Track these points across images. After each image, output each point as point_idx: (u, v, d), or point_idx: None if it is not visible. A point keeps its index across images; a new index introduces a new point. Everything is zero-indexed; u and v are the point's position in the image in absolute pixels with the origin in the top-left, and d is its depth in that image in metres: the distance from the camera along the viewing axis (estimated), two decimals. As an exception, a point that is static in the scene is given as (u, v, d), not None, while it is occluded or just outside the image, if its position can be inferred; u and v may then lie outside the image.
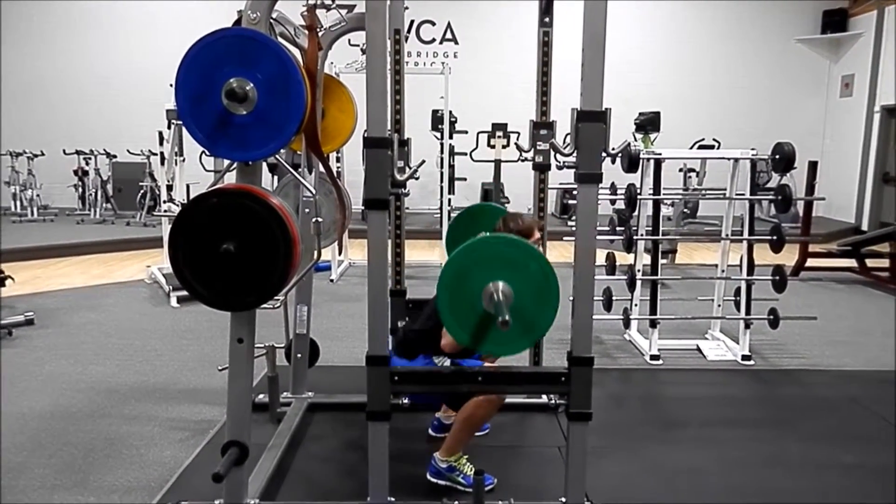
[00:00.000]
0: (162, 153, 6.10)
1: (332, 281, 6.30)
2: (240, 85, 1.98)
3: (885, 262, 6.44)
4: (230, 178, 2.27)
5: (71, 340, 4.41)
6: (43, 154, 9.77)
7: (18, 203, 9.80)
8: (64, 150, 9.73)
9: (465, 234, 2.70)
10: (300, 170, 2.99)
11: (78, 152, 9.84)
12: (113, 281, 6.31)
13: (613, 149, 2.20)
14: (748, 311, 4.24)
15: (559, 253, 6.84)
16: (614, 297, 4.44)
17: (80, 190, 10.12)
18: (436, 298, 2.09)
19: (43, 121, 10.62)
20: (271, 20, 2.17)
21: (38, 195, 9.85)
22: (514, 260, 2.02)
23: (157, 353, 4.18)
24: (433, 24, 10.82)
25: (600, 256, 3.47)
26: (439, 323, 2.17)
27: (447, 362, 2.57)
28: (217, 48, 1.99)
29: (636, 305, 4.47)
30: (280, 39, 2.26)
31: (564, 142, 2.29)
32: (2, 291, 4.84)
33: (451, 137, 8.69)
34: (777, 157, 4.08)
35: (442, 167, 8.44)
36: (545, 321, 2.10)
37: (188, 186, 6.04)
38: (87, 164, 9.95)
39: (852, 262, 6.75)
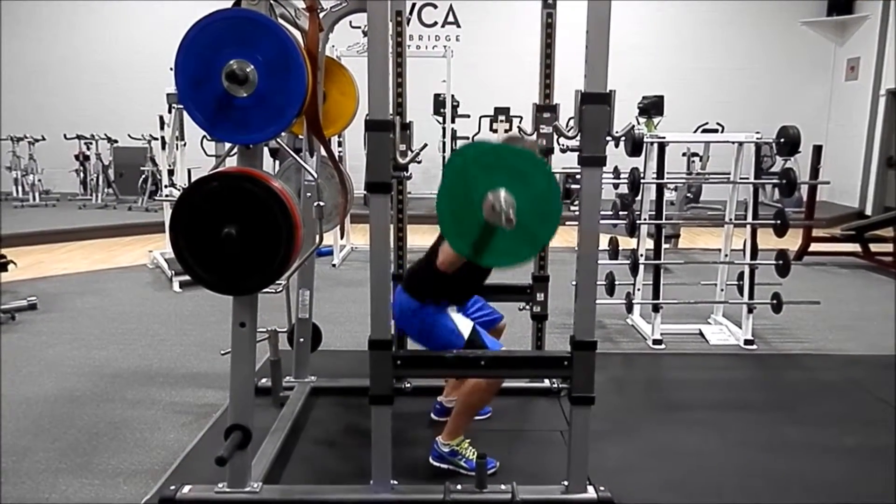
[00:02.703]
0: (163, 137, 6.08)
1: (334, 266, 6.30)
2: (240, 67, 1.96)
3: (889, 247, 6.41)
4: (231, 163, 2.26)
5: (74, 325, 4.42)
6: (44, 139, 9.75)
7: (20, 188, 9.79)
8: (65, 135, 9.71)
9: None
10: (301, 153, 2.98)
11: (79, 137, 9.83)
12: (115, 266, 6.31)
13: (617, 132, 2.17)
14: (751, 296, 4.23)
15: (562, 237, 6.83)
16: (617, 282, 4.44)
17: (82, 175, 10.12)
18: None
19: (44, 105, 10.58)
20: (271, 1, 2.14)
21: (39, 180, 9.84)
22: (516, 169, 1.98)
23: (159, 338, 4.19)
24: (435, 6, 10.74)
25: (603, 241, 3.48)
26: None
27: (455, 312, 2.53)
28: (217, 29, 1.97)
29: (639, 290, 4.46)
30: (280, 21, 2.23)
31: (568, 125, 2.26)
32: (4, 276, 4.85)
33: (453, 121, 8.67)
34: (781, 140, 4.05)
35: (444, 151, 8.42)
36: (547, 231, 2.07)
37: (189, 171, 6.03)
38: (89, 148, 9.94)
39: (856, 247, 6.73)
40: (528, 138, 2.65)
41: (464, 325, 2.51)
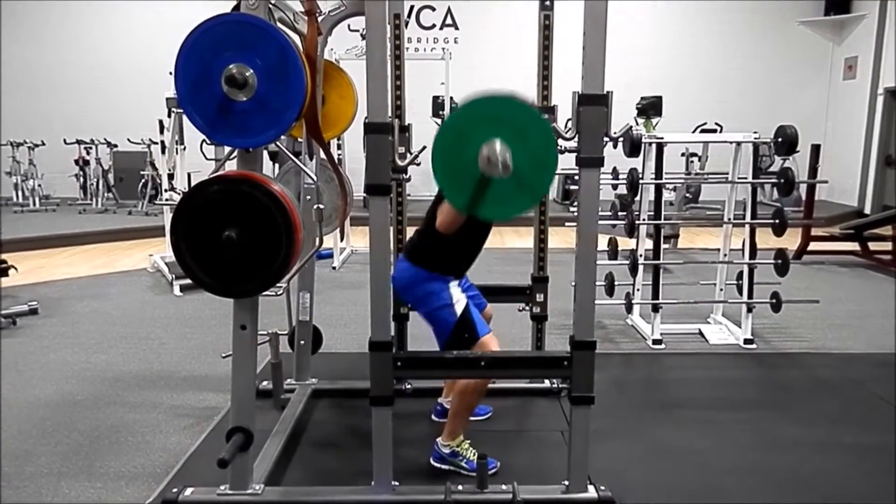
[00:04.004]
0: (163, 142, 6.09)
1: (334, 268, 6.31)
2: (239, 71, 1.97)
3: (888, 246, 6.42)
4: (232, 166, 2.27)
5: (75, 329, 4.43)
6: (44, 144, 9.76)
7: (20, 193, 9.81)
8: (65, 140, 9.72)
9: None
10: (301, 157, 2.99)
11: (79, 142, 9.85)
12: (116, 270, 6.32)
13: (615, 133, 2.18)
14: (750, 295, 4.24)
15: (561, 238, 6.83)
16: (616, 282, 4.44)
17: (82, 179, 10.12)
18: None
19: (43, 110, 10.60)
20: (270, 5, 2.16)
21: (39, 185, 9.85)
22: (511, 120, 1.98)
23: (160, 342, 4.20)
24: (433, 9, 10.76)
25: (602, 241, 3.49)
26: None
27: (460, 297, 2.54)
28: (216, 34, 1.98)
29: (638, 290, 4.47)
30: (279, 25, 2.24)
31: (566, 127, 2.27)
32: (5, 281, 4.86)
33: (452, 124, 8.67)
34: (779, 140, 4.07)
35: (443, 153, 8.43)
36: (544, 181, 2.07)
37: (189, 175, 6.04)
38: (89, 153, 9.95)
39: (855, 246, 6.74)
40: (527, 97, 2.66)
41: (459, 301, 2.52)
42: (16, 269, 4.88)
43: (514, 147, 1.95)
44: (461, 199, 2.05)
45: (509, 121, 1.98)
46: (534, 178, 2.03)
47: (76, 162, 9.98)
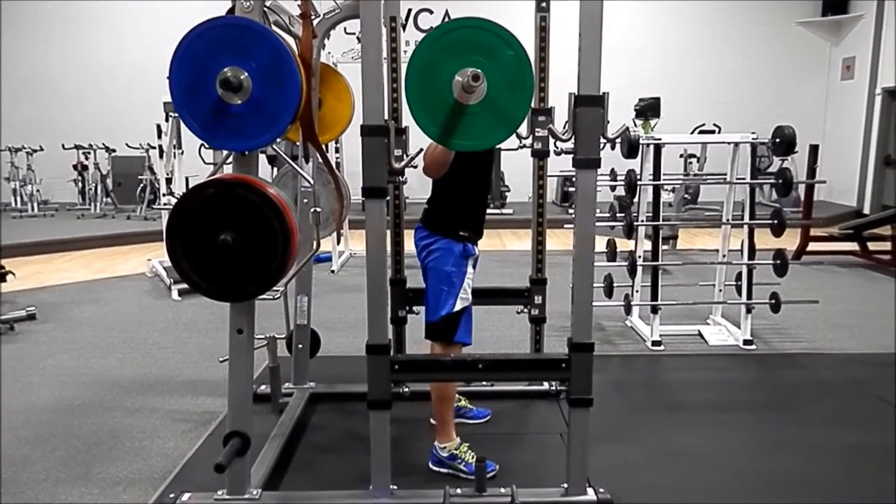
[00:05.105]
0: (161, 146, 6.09)
1: (332, 272, 6.30)
2: (234, 74, 1.96)
3: (887, 245, 6.42)
4: (230, 170, 2.26)
5: (73, 334, 4.42)
6: (42, 149, 9.77)
7: (19, 199, 9.81)
8: (63, 145, 9.72)
9: None
10: (298, 160, 2.98)
11: (77, 147, 9.85)
12: (114, 275, 6.31)
13: (612, 134, 2.18)
14: (749, 296, 4.23)
15: (559, 240, 6.83)
16: (615, 284, 4.44)
17: (80, 184, 10.13)
18: None
19: (41, 116, 10.59)
20: (265, 8, 2.15)
21: (38, 190, 9.86)
22: (485, 44, 1.95)
23: (158, 346, 4.19)
24: (431, 12, 10.76)
25: (601, 243, 3.47)
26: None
27: (470, 274, 2.55)
28: (211, 37, 1.98)
29: (637, 292, 4.46)
30: (274, 28, 2.24)
31: (563, 128, 2.27)
32: (3, 287, 4.85)
33: (450, 126, 8.68)
34: (778, 140, 4.06)
35: (441, 156, 8.44)
36: (519, 111, 2.02)
37: (187, 179, 6.03)
38: (87, 158, 9.95)
39: (854, 246, 6.73)
40: None
41: (465, 296, 2.54)
42: (13, 274, 4.87)
43: (488, 72, 1.92)
44: (433, 129, 2.01)
45: (481, 44, 1.95)
46: (509, 103, 1.98)
47: (74, 167, 9.99)
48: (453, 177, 2.45)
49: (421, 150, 2.66)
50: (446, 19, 10.76)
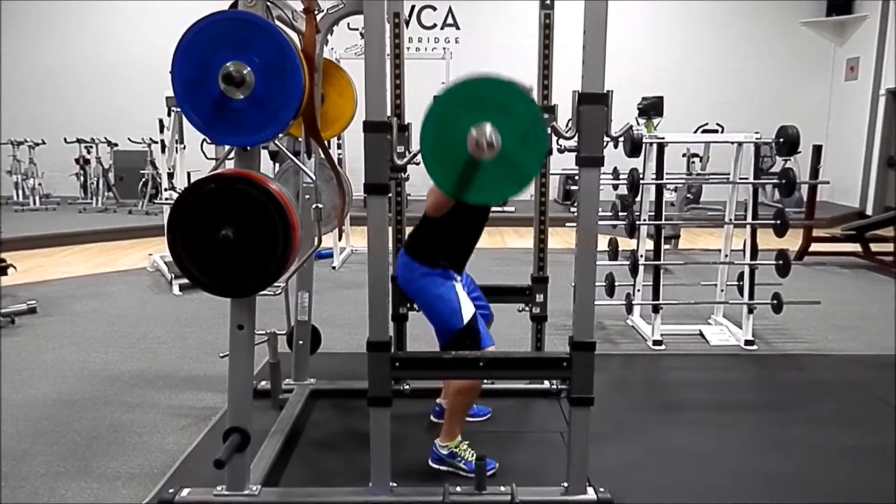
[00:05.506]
0: (163, 141, 6.08)
1: (334, 268, 6.29)
2: (236, 69, 1.96)
3: (890, 247, 6.40)
4: (232, 165, 2.25)
5: (73, 328, 4.42)
6: (44, 143, 9.76)
7: (20, 192, 9.80)
8: (65, 139, 9.72)
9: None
10: (300, 156, 2.97)
11: (79, 141, 9.84)
12: (115, 269, 6.31)
13: (616, 133, 2.17)
14: (751, 296, 4.22)
15: (562, 239, 6.82)
16: (617, 283, 4.43)
17: (82, 178, 10.12)
18: None
19: (44, 109, 10.59)
20: (268, 3, 2.14)
21: (39, 184, 9.86)
22: (499, 102, 1.95)
23: (159, 341, 4.18)
24: (434, 9, 10.75)
25: (603, 242, 3.47)
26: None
27: (461, 289, 2.51)
28: (213, 31, 1.97)
29: (639, 291, 4.45)
30: (277, 22, 2.23)
31: (566, 126, 2.26)
32: (4, 280, 4.85)
33: (452, 123, 8.67)
34: (781, 140, 4.05)
35: (444, 153, 8.44)
36: (532, 166, 2.03)
37: (189, 174, 6.02)
38: (89, 152, 9.95)
39: (856, 247, 6.72)
40: (521, 83, 2.64)
41: (467, 307, 2.48)
42: (15, 267, 4.87)
43: (502, 128, 1.92)
44: (448, 184, 2.01)
45: (495, 101, 1.95)
46: (522, 160, 1.99)
47: (76, 161, 9.98)
48: (449, 217, 2.43)
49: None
50: (449, 17, 10.76)
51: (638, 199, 4.52)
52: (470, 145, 1.93)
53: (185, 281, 4.91)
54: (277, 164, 3.42)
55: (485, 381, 3.23)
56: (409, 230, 3.33)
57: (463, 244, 2.62)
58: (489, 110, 1.93)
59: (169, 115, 5.89)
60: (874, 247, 6.65)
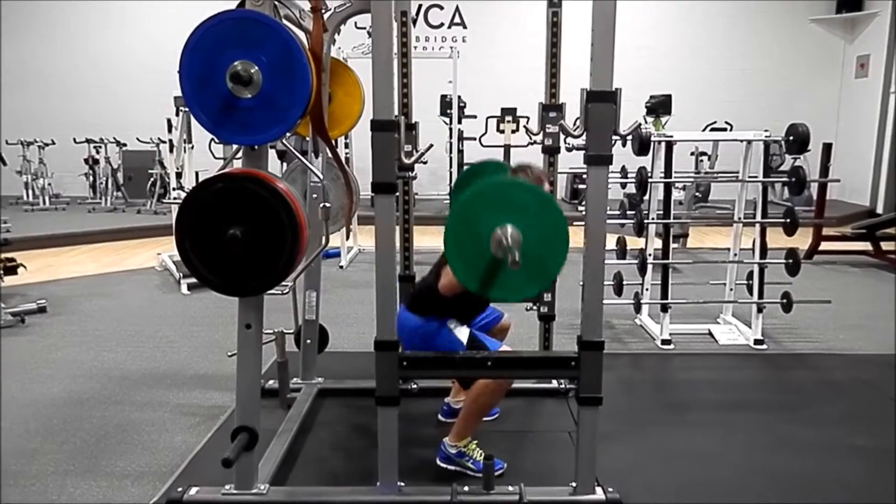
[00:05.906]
0: (171, 140, 6.10)
1: (341, 267, 6.30)
2: (244, 68, 1.95)
3: (901, 246, 6.37)
4: (239, 165, 2.25)
5: (83, 328, 4.44)
6: (54, 143, 9.81)
7: (30, 192, 9.86)
8: (74, 139, 9.77)
9: None
10: (308, 155, 2.98)
11: (88, 141, 9.88)
12: (124, 268, 6.34)
13: (624, 131, 2.16)
14: (761, 295, 4.20)
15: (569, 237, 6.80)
16: (625, 282, 4.41)
17: (91, 178, 10.17)
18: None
19: (53, 110, 10.65)
20: (275, 2, 2.14)
21: (49, 184, 9.90)
22: (523, 204, 1.97)
23: (167, 340, 4.20)
24: (441, 8, 10.74)
25: (611, 241, 3.45)
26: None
27: (461, 329, 2.51)
28: (221, 30, 1.97)
29: (647, 290, 4.43)
30: (285, 22, 2.23)
31: (574, 124, 2.25)
32: (14, 280, 4.88)
33: (459, 122, 8.65)
34: (791, 138, 4.02)
35: (451, 152, 8.41)
36: (554, 267, 2.05)
37: (197, 174, 6.04)
38: (98, 152, 9.99)
39: (867, 246, 6.67)
40: (536, 167, 2.64)
41: (462, 333, 2.50)
42: (24, 267, 4.90)
43: (526, 231, 1.94)
44: (472, 282, 2.02)
45: (521, 204, 1.97)
46: (546, 262, 2.02)
47: (86, 161, 10.02)
48: (463, 293, 2.42)
49: (431, 145, 2.66)
50: (457, 16, 10.76)
51: (646, 197, 4.49)
52: (493, 246, 1.94)
53: (194, 280, 4.90)
54: (285, 164, 3.43)
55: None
56: (416, 229, 3.34)
57: (474, 310, 2.67)
58: (512, 211, 1.95)
59: (177, 114, 5.92)
60: (885, 245, 6.60)
